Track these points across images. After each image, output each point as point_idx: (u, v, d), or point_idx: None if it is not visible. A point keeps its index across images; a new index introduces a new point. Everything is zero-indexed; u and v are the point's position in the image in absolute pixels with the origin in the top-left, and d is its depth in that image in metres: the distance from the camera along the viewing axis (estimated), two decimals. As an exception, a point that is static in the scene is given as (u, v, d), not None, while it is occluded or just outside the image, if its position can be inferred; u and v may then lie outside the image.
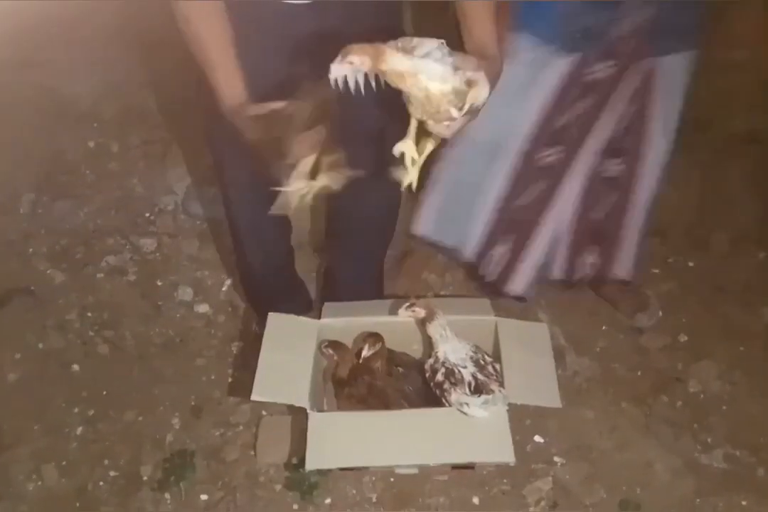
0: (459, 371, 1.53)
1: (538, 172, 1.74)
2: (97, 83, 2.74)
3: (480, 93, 1.11)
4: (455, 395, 1.51)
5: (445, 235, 1.93)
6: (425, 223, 1.93)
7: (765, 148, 2.42)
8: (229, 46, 1.28)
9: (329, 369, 1.74)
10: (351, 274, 1.92)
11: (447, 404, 1.53)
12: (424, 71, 1.07)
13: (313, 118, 1.18)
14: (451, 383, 1.52)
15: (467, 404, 1.50)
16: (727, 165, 2.39)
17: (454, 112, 1.11)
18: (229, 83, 1.27)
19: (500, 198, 1.79)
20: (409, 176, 1.22)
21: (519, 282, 1.89)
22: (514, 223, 1.84)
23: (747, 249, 2.28)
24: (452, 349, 1.56)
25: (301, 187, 1.24)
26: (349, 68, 1.06)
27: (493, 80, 1.15)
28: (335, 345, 1.70)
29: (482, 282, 2.00)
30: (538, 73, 1.59)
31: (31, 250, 2.29)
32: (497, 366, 1.59)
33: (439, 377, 1.54)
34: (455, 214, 1.87)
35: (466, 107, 1.11)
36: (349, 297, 1.82)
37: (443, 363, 1.55)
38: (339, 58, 1.07)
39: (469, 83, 1.09)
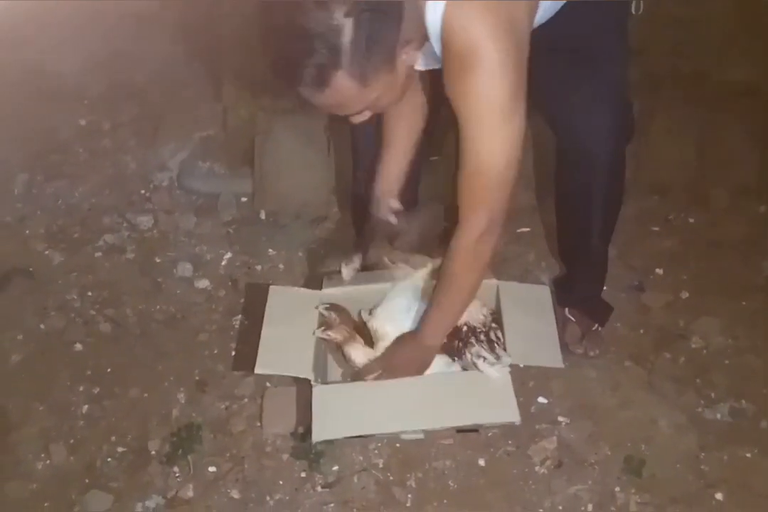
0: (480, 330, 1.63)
1: None
2: (83, 59, 2.70)
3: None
4: (477, 347, 1.59)
5: None
6: None
7: (762, 100, 2.38)
8: (404, 153, 1.63)
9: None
10: None
11: (462, 355, 1.60)
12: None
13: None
14: (470, 335, 1.62)
15: (484, 358, 1.57)
16: (725, 118, 2.35)
17: None
18: (385, 178, 1.64)
19: None
20: None
21: None
22: None
23: (747, 203, 2.26)
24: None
25: None
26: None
27: None
28: (335, 307, 1.71)
29: None
30: None
31: (27, 231, 2.28)
32: (499, 334, 1.64)
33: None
34: None
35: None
36: None
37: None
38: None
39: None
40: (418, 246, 1.65)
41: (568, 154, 1.66)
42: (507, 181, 1.31)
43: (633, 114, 1.66)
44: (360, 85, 1.17)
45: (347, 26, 1.10)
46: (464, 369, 1.62)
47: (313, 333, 1.66)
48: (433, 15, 1.18)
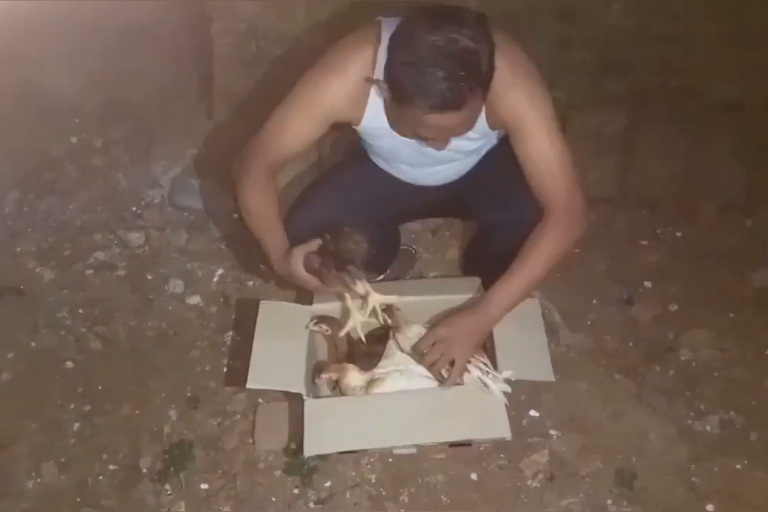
0: None
1: None
2: (75, 77, 2.71)
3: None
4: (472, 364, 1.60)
5: None
6: None
7: (749, 115, 2.41)
8: (277, 215, 1.64)
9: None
10: None
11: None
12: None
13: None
14: None
15: (488, 373, 1.61)
16: (712, 133, 2.38)
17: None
18: (275, 242, 1.62)
19: None
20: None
21: None
22: None
23: (734, 216, 2.28)
24: None
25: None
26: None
27: None
28: (324, 319, 1.72)
29: None
30: None
31: (18, 248, 2.28)
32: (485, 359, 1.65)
33: None
34: None
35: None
36: None
37: None
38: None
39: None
40: (368, 265, 1.59)
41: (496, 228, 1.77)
42: (577, 177, 1.51)
43: None
44: (483, 102, 1.35)
45: (484, 52, 1.27)
46: None
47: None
48: None
